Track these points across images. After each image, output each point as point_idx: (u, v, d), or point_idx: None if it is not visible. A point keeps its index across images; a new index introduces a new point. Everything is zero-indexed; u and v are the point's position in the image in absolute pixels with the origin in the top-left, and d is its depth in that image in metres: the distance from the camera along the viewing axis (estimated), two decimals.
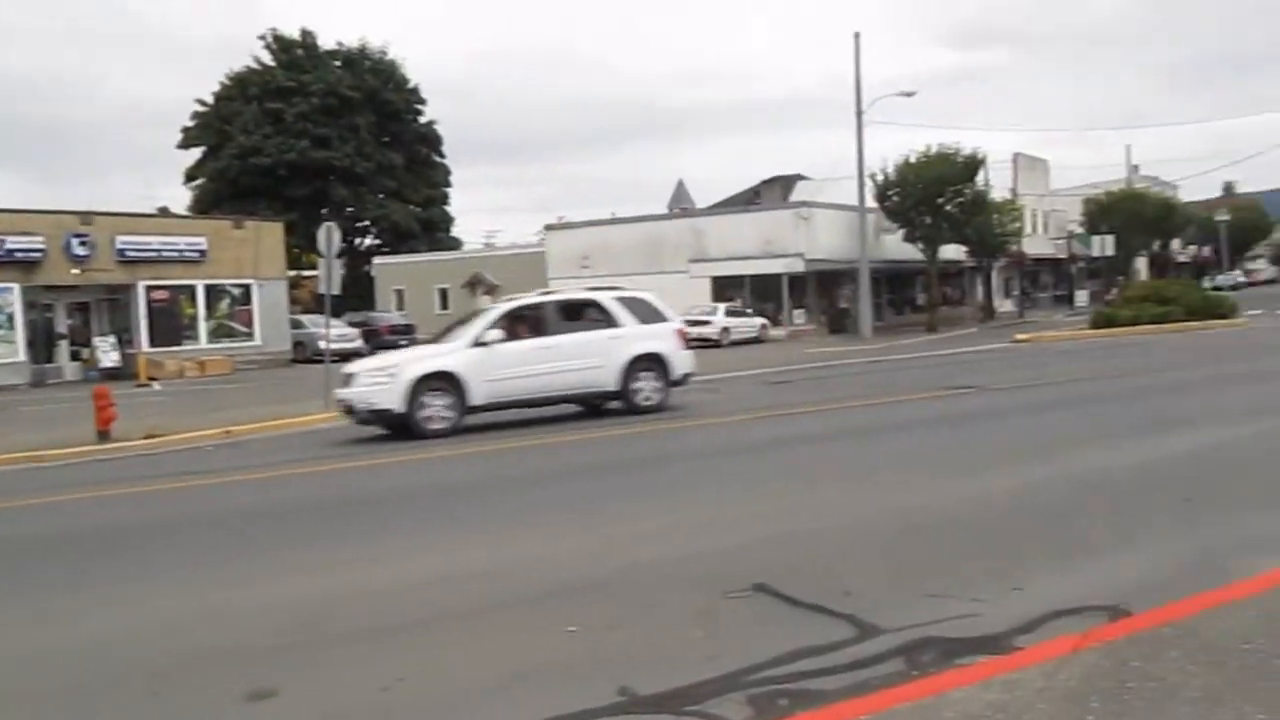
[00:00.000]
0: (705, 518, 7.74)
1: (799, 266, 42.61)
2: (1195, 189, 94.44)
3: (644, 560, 6.47)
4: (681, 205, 55.13)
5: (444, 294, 57.03)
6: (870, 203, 42.66)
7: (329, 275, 18.36)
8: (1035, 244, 58.64)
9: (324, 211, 51.38)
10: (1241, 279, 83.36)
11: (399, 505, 9.44)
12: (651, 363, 15.33)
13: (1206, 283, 60.14)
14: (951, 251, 47.48)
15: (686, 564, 6.30)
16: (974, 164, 43.45)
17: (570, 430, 13.94)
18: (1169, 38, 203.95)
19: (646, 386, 15.28)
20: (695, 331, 38.66)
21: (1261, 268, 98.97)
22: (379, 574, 6.62)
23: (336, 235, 18.99)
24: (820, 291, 45.19)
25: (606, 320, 15.41)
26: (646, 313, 15.79)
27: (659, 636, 4.98)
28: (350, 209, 60.84)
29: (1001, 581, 5.49)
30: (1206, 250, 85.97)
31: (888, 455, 10.47)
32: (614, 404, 15.45)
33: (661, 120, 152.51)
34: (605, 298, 15.81)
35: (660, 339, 15.55)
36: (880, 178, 43.07)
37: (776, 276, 43.00)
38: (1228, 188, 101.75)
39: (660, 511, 8.08)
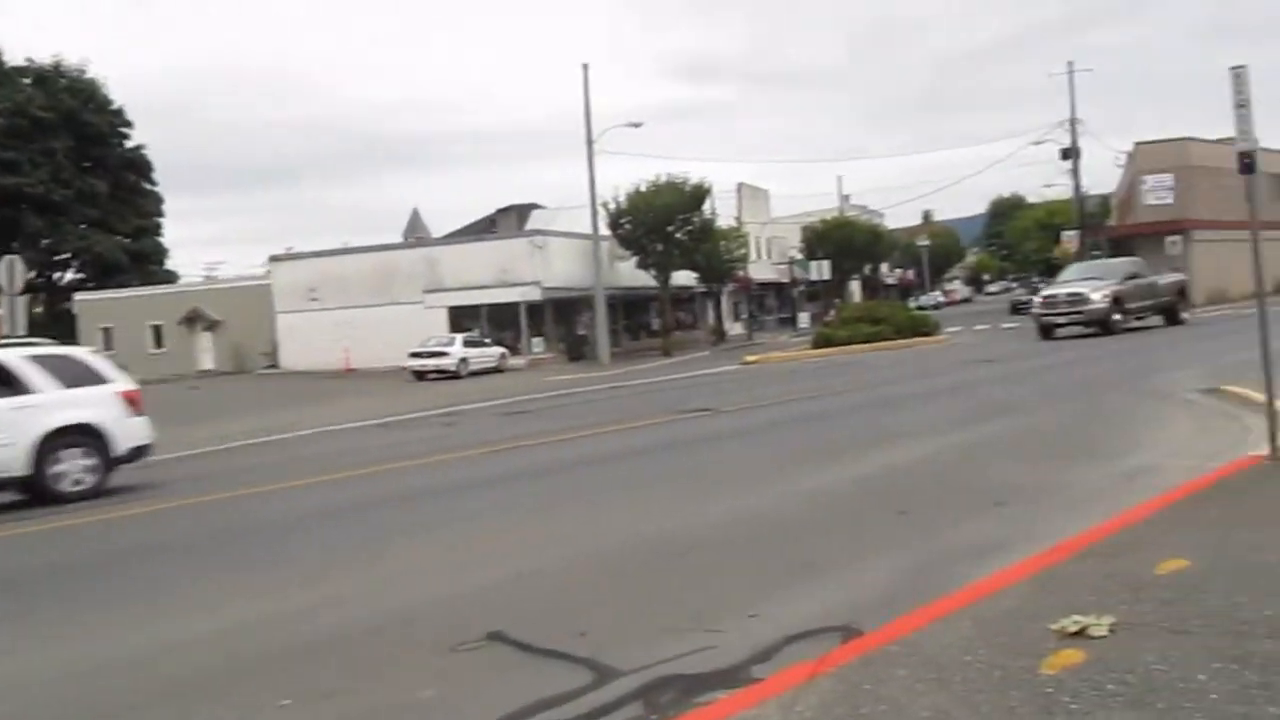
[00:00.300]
0: (435, 564, 7.33)
1: (536, 295, 42.68)
2: (899, 217, 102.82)
3: (366, 616, 5.99)
4: (417, 235, 53.99)
5: (158, 331, 53.12)
6: (604, 231, 43.39)
7: (12, 314, 16.50)
8: (760, 269, 61.67)
9: (14, 244, 46.57)
10: (941, 299, 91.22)
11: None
12: (80, 437, 12.39)
13: (912, 303, 65.28)
14: (683, 277, 49.05)
15: (415, 616, 5.89)
16: (701, 193, 45.14)
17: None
18: (874, 79, 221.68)
19: (73, 467, 12.26)
20: (433, 363, 37.98)
21: (958, 288, 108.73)
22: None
23: (20, 269, 17.13)
24: (558, 319, 45.44)
25: (12, 385, 12.17)
26: (76, 374, 12.81)
27: (384, 701, 4.56)
28: (47, 240, 55.70)
29: (738, 608, 5.45)
30: (910, 273, 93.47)
31: (626, 483, 10.43)
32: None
33: (397, 149, 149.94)
34: (11, 356, 12.46)
35: (94, 406, 12.61)
36: (613, 206, 43.94)
37: (514, 305, 42.86)
38: (927, 216, 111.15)
39: (383, 561, 7.60)
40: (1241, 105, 7.54)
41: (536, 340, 44.10)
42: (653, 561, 6.80)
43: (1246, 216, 8.08)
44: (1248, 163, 7.68)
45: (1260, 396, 9.10)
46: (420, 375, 37.65)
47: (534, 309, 43.59)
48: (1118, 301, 28.35)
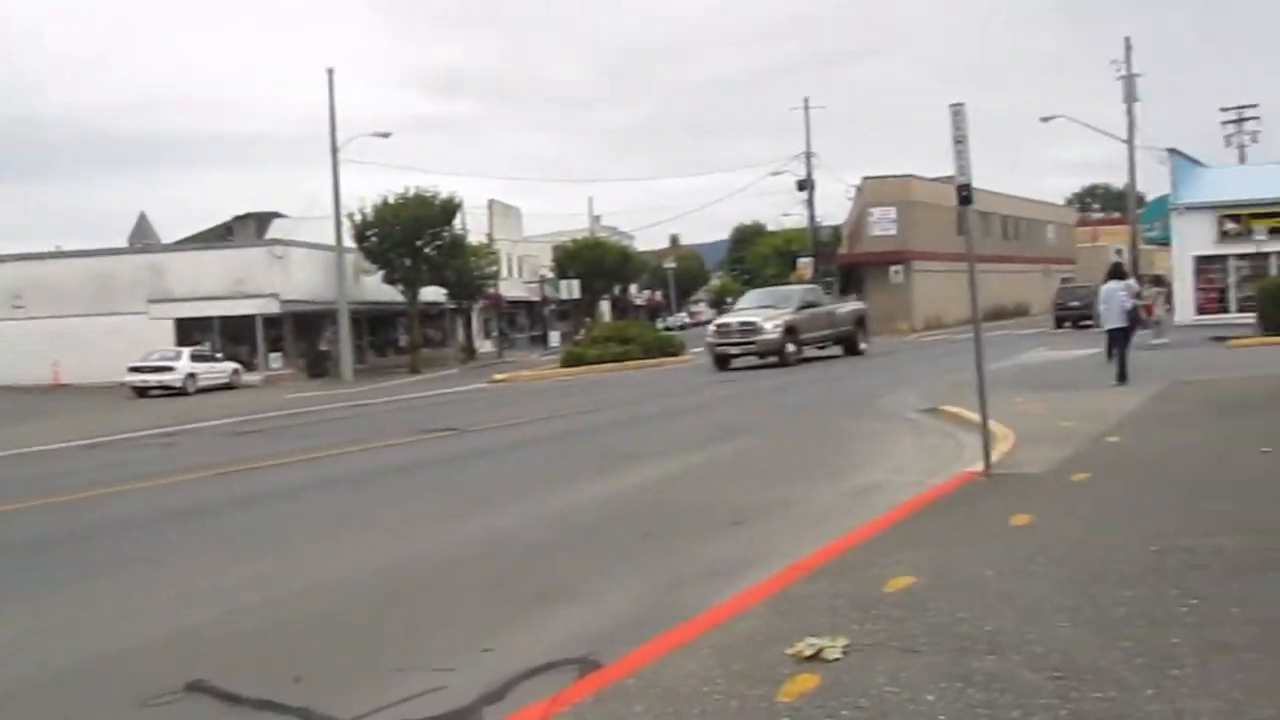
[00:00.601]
0: (131, 604, 6.52)
1: (274, 307, 40.58)
2: (648, 240, 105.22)
3: (45, 667, 5.22)
4: (144, 240, 50.09)
5: None
6: (349, 243, 41.88)
7: None
8: (511, 287, 61.42)
9: None
10: (688, 320, 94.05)
11: None
12: None
13: (659, 324, 66.90)
14: (432, 293, 48.07)
15: (104, 665, 5.20)
16: (451, 208, 44.41)
17: None
18: (623, 103, 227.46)
19: None
20: (156, 379, 35.27)
21: (703, 310, 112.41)
22: None
23: None
24: (299, 334, 43.41)
25: None
26: None
27: None
28: None
29: (472, 642, 5.15)
30: (658, 294, 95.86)
31: (359, 508, 9.85)
32: None
33: (125, 150, 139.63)
34: None
35: None
36: (359, 218, 42.48)
37: (250, 318, 40.57)
38: (674, 240, 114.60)
39: (70, 603, 6.72)
40: (959, 141, 8.00)
41: (275, 355, 41.92)
42: (384, 593, 6.37)
43: (960, 249, 8.59)
44: (965, 195, 8.15)
45: (974, 416, 9.70)
46: (142, 392, 34.89)
47: (272, 322, 41.43)
48: (791, 331, 27.02)
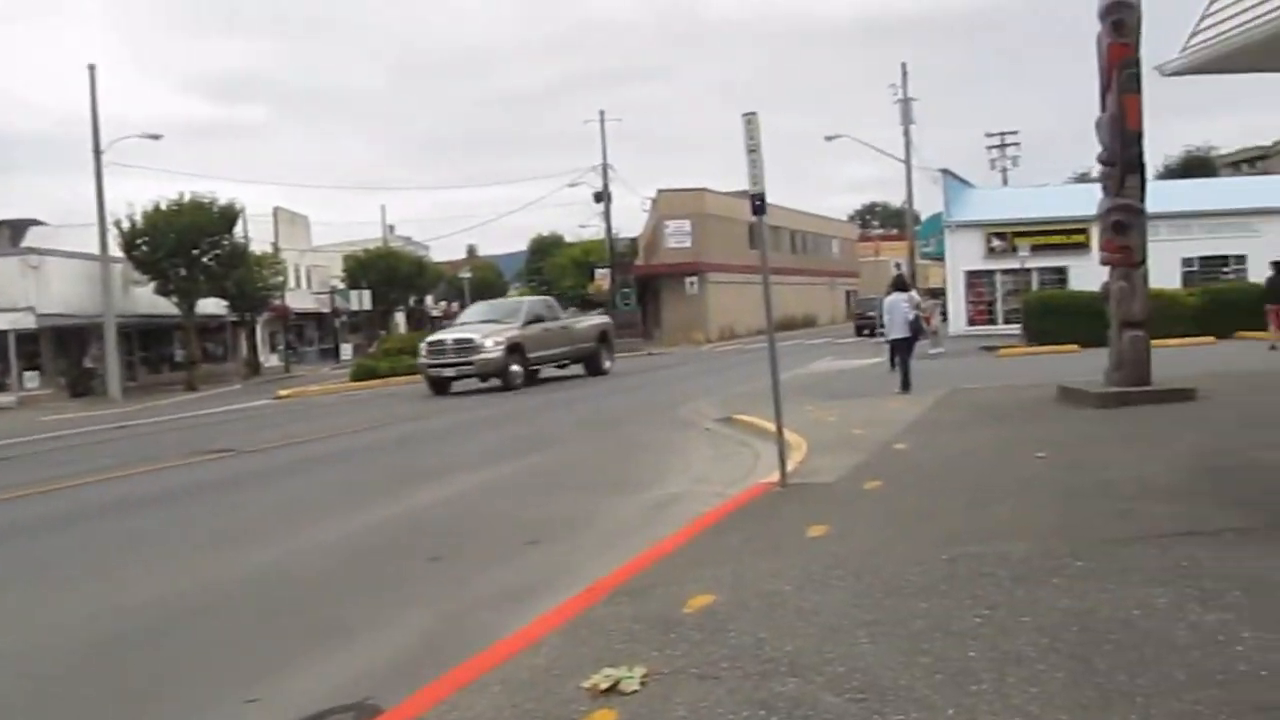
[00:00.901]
0: None
1: (29, 322, 37.26)
2: (444, 250, 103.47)
3: None
4: None
5: None
6: (117, 252, 39.02)
7: None
8: (299, 298, 58.98)
9: None
10: None
11: None
12: None
13: None
14: (212, 305, 45.46)
15: None
16: (231, 215, 42.05)
17: None
18: (415, 112, 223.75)
19: None
20: None
21: None
22: None
23: None
24: (59, 350, 40.06)
25: None
26: None
27: None
28: None
29: (234, 691, 4.64)
30: (455, 305, 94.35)
31: (113, 542, 8.90)
32: None
33: None
34: None
35: None
36: (127, 225, 39.63)
37: (2, 334, 37.11)
38: (470, 250, 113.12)
39: None
40: (753, 150, 7.96)
41: (31, 374, 38.49)
42: (130, 641, 5.69)
43: (753, 261, 8.59)
44: (758, 205, 8.12)
45: (769, 424, 9.74)
46: None
47: (27, 338, 38.04)
48: (516, 349, 24.14)
